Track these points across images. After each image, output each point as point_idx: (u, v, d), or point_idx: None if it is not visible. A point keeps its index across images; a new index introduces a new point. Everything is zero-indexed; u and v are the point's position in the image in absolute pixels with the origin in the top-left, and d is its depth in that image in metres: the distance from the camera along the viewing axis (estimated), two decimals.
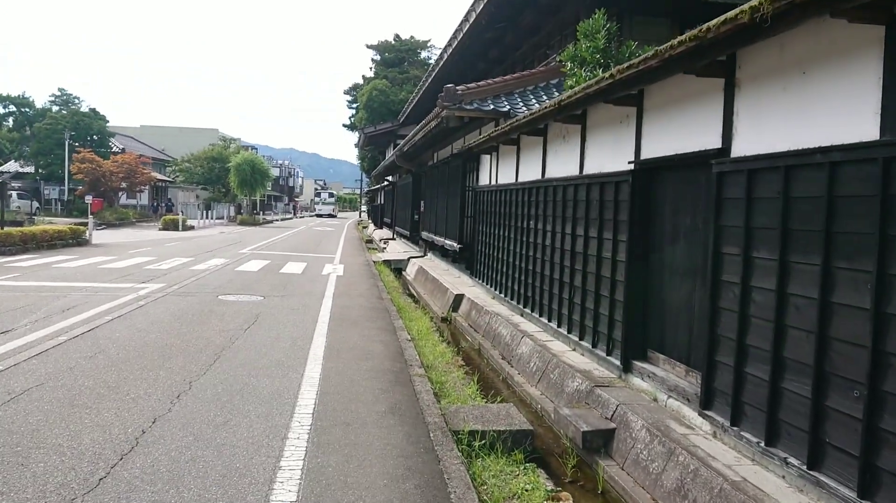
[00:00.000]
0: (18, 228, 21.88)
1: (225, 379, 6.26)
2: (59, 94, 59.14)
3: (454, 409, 6.13)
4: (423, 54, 57.79)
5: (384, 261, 22.02)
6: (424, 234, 21.26)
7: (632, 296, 6.77)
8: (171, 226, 37.01)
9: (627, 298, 6.79)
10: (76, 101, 57.17)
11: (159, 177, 56.35)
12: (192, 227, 39.55)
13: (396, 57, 56.76)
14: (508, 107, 12.62)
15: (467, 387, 7.49)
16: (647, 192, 6.69)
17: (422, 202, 24.02)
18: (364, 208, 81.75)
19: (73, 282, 12.70)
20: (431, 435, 5.07)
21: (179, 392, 5.74)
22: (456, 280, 15.57)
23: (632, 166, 6.81)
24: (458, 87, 12.70)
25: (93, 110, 54.32)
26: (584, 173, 8.26)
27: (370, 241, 35.74)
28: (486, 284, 13.24)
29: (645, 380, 6.44)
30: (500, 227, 12.24)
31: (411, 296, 17.05)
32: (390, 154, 29.40)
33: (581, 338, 8.02)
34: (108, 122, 54.81)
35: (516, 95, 13.37)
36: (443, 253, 17.87)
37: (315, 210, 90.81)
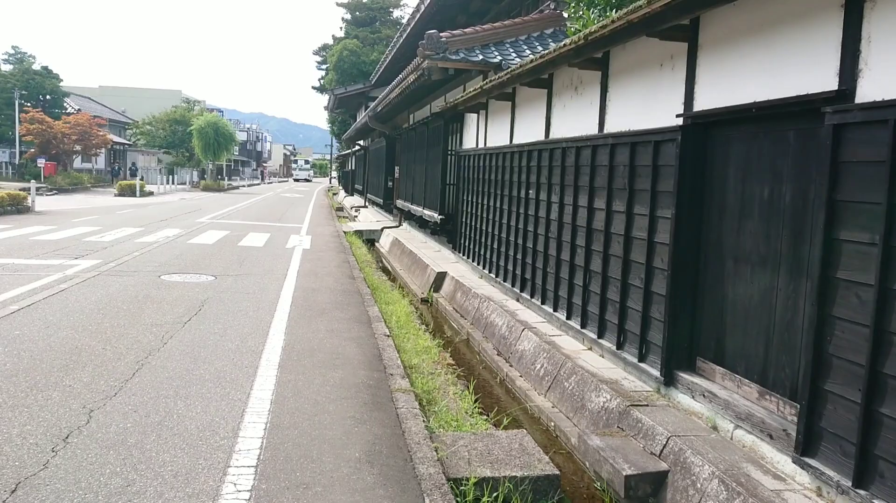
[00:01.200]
0: None
1: (139, 404, 4.61)
2: (12, 52, 55.64)
3: (451, 441, 4.59)
4: (396, 13, 55.60)
5: (356, 231, 20.32)
6: (400, 203, 19.58)
7: (678, 289, 5.25)
8: (128, 191, 34.74)
9: (672, 291, 5.27)
10: (31, 59, 53.62)
11: (116, 139, 53.42)
12: (150, 193, 37.28)
13: (368, 16, 54.64)
14: (500, 57, 10.94)
15: (462, 399, 5.96)
16: (701, 155, 5.13)
17: (396, 168, 22.30)
18: (335, 174, 79.63)
19: None
20: (427, 500, 3.52)
21: (69, 431, 4.09)
22: (436, 255, 13.98)
23: (680, 121, 5.24)
24: (441, 34, 10.97)
25: (45, 68, 51.07)
26: (606, 131, 6.67)
27: (340, 209, 33.90)
28: (472, 261, 11.68)
29: (697, 400, 4.95)
30: (489, 197, 10.64)
31: (385, 271, 15.44)
32: (362, 116, 27.49)
33: (600, 336, 6.51)
34: (61, 80, 51.63)
35: (507, 45, 11.67)
36: (420, 223, 16.25)
37: (294, 175, 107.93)
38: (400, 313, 9.21)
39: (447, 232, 13.60)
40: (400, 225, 20.82)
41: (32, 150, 41.12)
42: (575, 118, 7.50)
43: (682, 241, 5.23)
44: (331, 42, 55.40)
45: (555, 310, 7.72)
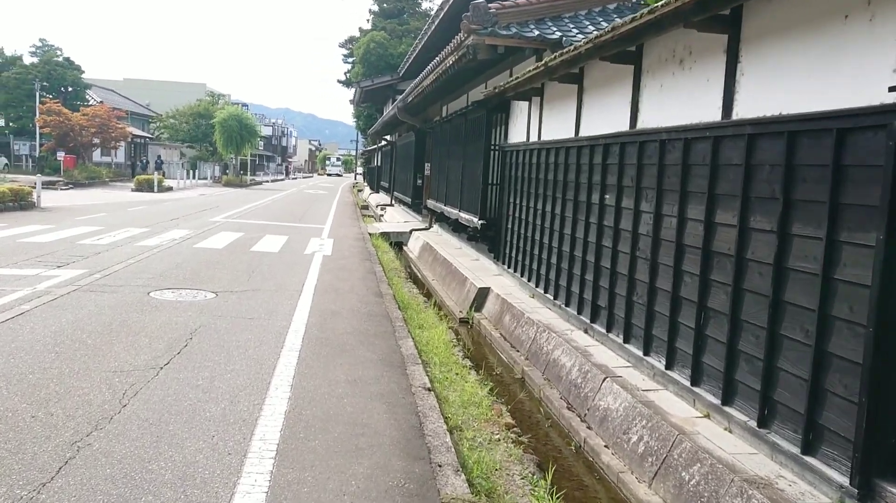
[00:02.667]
0: None
1: None
2: (39, 44, 54.72)
3: None
4: (425, 5, 54.24)
5: (382, 233, 18.60)
6: (430, 203, 17.80)
7: (887, 356, 3.41)
8: (146, 186, 33.37)
9: (877, 359, 3.43)
10: (57, 52, 52.54)
11: (136, 132, 52.26)
12: (169, 189, 35.91)
13: (396, 7, 53.31)
14: (559, 33, 9.12)
15: (535, 487, 4.19)
16: None
17: (427, 165, 20.53)
18: (359, 170, 78.22)
19: None
20: None
21: None
22: (474, 265, 12.19)
23: (894, 97, 3.40)
24: (490, 4, 9.16)
25: (67, 59, 50.05)
26: (737, 117, 4.82)
27: (365, 208, 32.27)
28: (520, 275, 9.87)
29: None
30: (545, 201, 8.83)
31: (414, 278, 13.69)
32: (389, 109, 25.78)
33: (726, 402, 4.68)
34: (83, 72, 50.59)
35: (566, 20, 9.85)
36: (455, 228, 14.45)
37: (327, 171, 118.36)
38: (437, 342, 7.46)
39: (488, 239, 11.79)
40: (430, 227, 19.06)
41: (50, 142, 39.95)
42: (679, 101, 5.66)
43: (891, 283, 3.38)
44: (357, 35, 54.10)
45: (646, 353, 5.89)
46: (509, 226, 10.65)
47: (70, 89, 48.87)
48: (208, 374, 5.23)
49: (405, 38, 47.53)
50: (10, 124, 46.85)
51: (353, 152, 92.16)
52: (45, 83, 45.71)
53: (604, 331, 6.77)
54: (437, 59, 12.41)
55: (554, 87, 8.78)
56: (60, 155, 40.63)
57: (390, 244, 17.73)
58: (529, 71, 8.27)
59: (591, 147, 7.27)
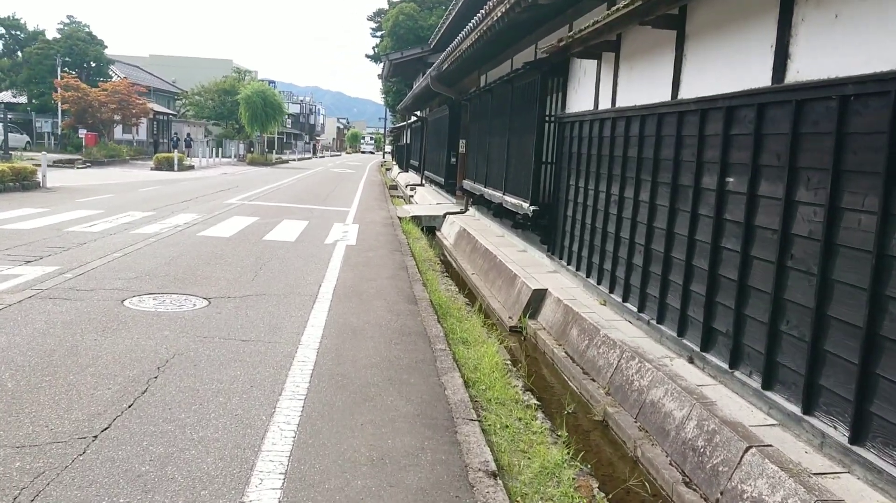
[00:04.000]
0: None
1: None
2: (67, 21, 53.42)
3: None
4: None
5: (412, 217, 16.81)
6: (467, 184, 15.92)
7: None
8: (165, 165, 31.91)
9: None
10: (85, 28, 51.13)
11: (158, 108, 50.83)
12: (191, 167, 34.45)
13: None
14: None
15: None
16: None
17: (462, 141, 18.64)
18: (387, 149, 76.51)
19: None
20: None
21: None
22: (522, 257, 10.35)
23: None
24: None
25: (89, 34, 48.68)
26: None
27: (394, 187, 30.51)
28: (584, 274, 8.02)
29: None
30: (624, 184, 6.94)
31: (449, 269, 11.89)
32: (420, 81, 23.84)
33: None
34: (105, 47, 49.23)
35: None
36: (497, 213, 12.59)
37: (360, 149, 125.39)
38: (489, 367, 5.69)
39: (540, 228, 9.90)
40: (466, 210, 17.20)
41: (69, 119, 38.67)
42: (853, 39, 3.72)
43: None
44: (386, 7, 52.17)
45: (807, 410, 4.01)
46: (569, 213, 8.77)
47: (93, 65, 47.57)
48: (161, 453, 3.46)
49: (436, 9, 45.58)
50: (33, 101, 45.75)
51: (382, 130, 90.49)
52: (66, 59, 44.46)
53: (724, 365, 4.90)
54: (481, 14, 10.49)
55: (637, 38, 6.83)
56: (82, 132, 39.41)
57: (422, 229, 15.95)
58: (610, 13, 6.32)
59: (701, 112, 5.34)
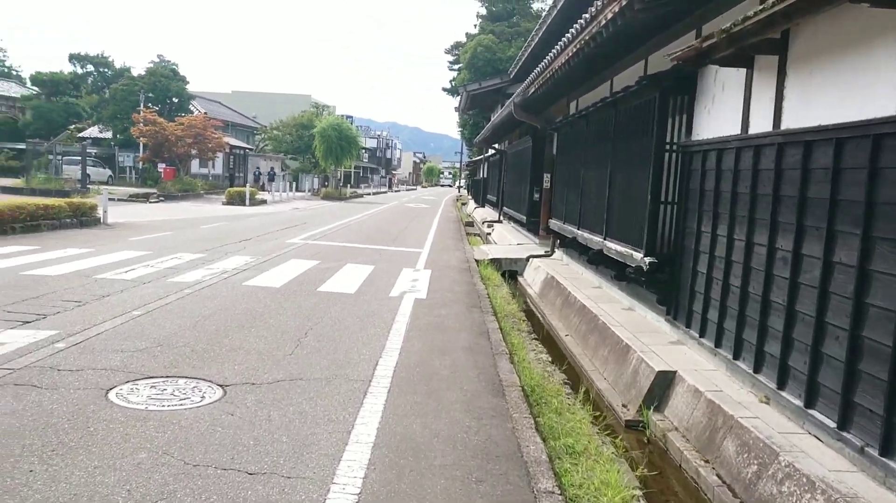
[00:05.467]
0: (4, 202, 16.20)
1: None
2: (157, 60, 54.64)
3: None
4: (536, 6, 50.70)
5: (491, 259, 14.91)
6: (555, 224, 13.92)
7: None
8: (237, 200, 31.16)
9: None
10: (172, 66, 52.07)
11: (234, 142, 50.97)
12: (263, 202, 33.66)
13: (505, 9, 50.27)
14: None
15: None
16: None
17: (546, 176, 16.69)
18: (463, 182, 75.33)
19: None
20: None
21: None
22: (630, 318, 8.28)
23: None
24: None
25: (172, 70, 49.41)
26: None
27: (470, 224, 28.79)
28: (733, 356, 5.88)
29: None
30: (799, 236, 4.84)
31: (535, 324, 9.86)
32: (500, 111, 22.12)
33: None
34: (187, 83, 49.83)
35: None
36: (592, 259, 10.55)
37: (440, 182, 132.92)
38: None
39: (658, 284, 7.82)
40: (552, 252, 15.16)
41: (146, 153, 38.81)
42: None
43: None
44: (464, 40, 51.42)
45: None
46: (702, 269, 6.68)
47: (175, 100, 48.15)
48: None
49: (515, 40, 44.40)
50: (117, 136, 46.53)
51: (458, 164, 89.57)
52: (150, 94, 45.05)
53: None
54: (580, 24, 8.63)
55: (827, 29, 4.78)
56: (161, 166, 39.52)
57: (502, 274, 14.04)
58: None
59: None
